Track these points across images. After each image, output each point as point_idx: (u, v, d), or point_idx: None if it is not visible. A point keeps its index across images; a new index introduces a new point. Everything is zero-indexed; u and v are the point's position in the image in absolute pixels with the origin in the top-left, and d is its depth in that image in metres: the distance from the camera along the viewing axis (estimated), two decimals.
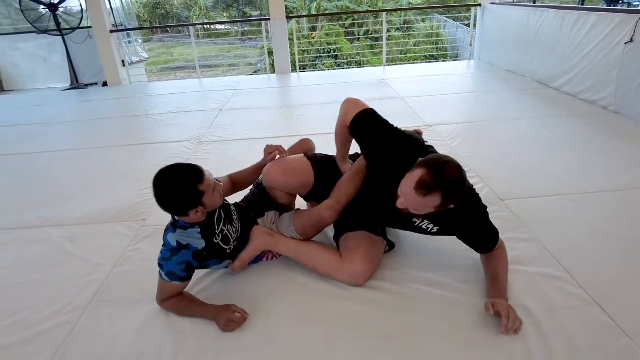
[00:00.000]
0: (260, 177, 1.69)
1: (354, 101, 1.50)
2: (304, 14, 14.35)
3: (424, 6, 14.77)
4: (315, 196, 1.70)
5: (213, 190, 1.33)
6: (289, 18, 5.57)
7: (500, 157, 2.49)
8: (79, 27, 5.62)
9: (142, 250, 1.81)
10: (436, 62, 8.39)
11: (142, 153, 2.98)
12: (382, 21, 5.95)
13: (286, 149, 1.78)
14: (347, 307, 1.41)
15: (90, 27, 5.48)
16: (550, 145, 2.66)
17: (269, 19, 5.38)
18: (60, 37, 5.56)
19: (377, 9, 13.88)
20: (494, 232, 1.42)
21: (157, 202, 1.31)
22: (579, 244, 1.66)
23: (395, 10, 13.92)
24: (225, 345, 1.29)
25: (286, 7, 5.27)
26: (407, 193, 1.18)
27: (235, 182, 1.69)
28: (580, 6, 3.66)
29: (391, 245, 1.63)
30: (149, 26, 17.90)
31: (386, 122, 1.47)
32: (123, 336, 1.35)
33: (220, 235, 1.44)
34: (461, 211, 1.30)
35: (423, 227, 1.45)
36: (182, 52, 17.19)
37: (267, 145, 1.69)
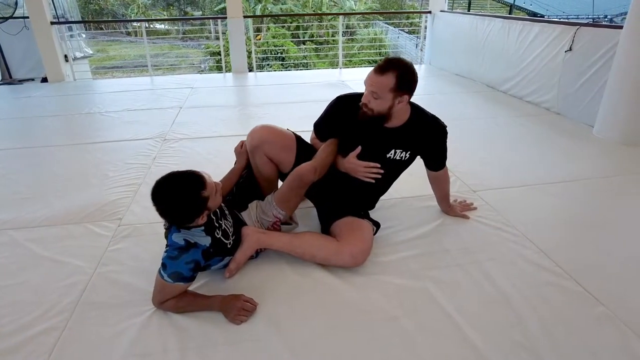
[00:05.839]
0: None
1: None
2: (249, 15, 14.20)
3: (380, 11, 15.18)
4: None
5: (215, 192, 1.32)
6: (245, 17, 5.49)
7: (467, 153, 2.64)
8: (12, 17, 5.15)
9: (125, 250, 1.72)
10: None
11: (106, 151, 2.79)
12: (338, 24, 6.07)
13: None
14: (349, 294, 1.45)
15: (27, 17, 5.04)
16: (508, 141, 2.90)
17: (225, 17, 5.29)
18: None
19: (337, 12, 13.99)
20: (446, 152, 1.74)
21: (160, 215, 1.28)
22: (548, 227, 1.84)
23: (354, 14, 14.22)
24: (232, 338, 1.27)
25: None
26: (368, 78, 1.50)
27: None
28: (524, 17, 3.99)
29: (377, 225, 1.71)
30: (98, 20, 16.39)
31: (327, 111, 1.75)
32: (121, 337, 1.28)
33: (219, 230, 1.42)
34: (429, 127, 1.66)
35: (397, 158, 1.67)
36: (118, 51, 16.25)
37: (234, 147, 1.78)
